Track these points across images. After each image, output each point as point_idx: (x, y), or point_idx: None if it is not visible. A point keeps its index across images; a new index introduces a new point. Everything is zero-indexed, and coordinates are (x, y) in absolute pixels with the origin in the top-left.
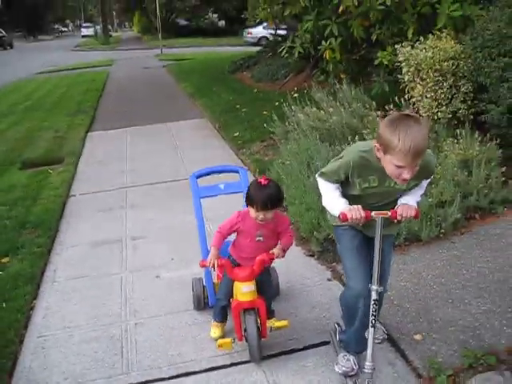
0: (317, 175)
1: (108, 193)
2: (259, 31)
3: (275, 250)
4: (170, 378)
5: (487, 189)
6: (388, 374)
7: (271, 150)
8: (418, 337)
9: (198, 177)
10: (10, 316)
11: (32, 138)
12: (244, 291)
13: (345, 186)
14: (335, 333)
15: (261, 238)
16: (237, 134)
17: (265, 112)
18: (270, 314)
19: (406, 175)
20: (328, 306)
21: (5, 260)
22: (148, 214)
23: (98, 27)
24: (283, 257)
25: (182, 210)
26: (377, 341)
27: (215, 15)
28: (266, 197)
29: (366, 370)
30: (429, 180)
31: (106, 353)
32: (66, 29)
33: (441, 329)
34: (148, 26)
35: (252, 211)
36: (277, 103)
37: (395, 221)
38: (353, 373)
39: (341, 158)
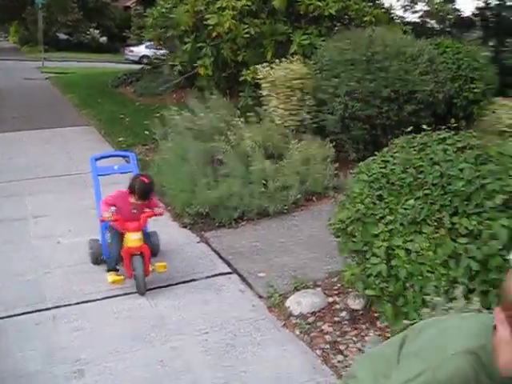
0: None
1: (7, 183)
2: (141, 50)
3: (155, 210)
4: (76, 304)
5: (322, 178)
6: (239, 298)
7: (151, 152)
8: (261, 274)
9: (97, 159)
10: None
11: None
12: (133, 239)
13: None
14: None
15: (135, 211)
16: (121, 139)
17: (146, 122)
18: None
19: None
20: (195, 259)
21: None
22: (46, 200)
23: None
24: (161, 214)
25: (75, 197)
26: None
27: (97, 31)
28: (144, 192)
29: None
30: None
31: (23, 291)
32: None
33: (278, 269)
34: (27, 37)
35: (133, 197)
36: (157, 114)
37: None
38: None
39: (423, 370)
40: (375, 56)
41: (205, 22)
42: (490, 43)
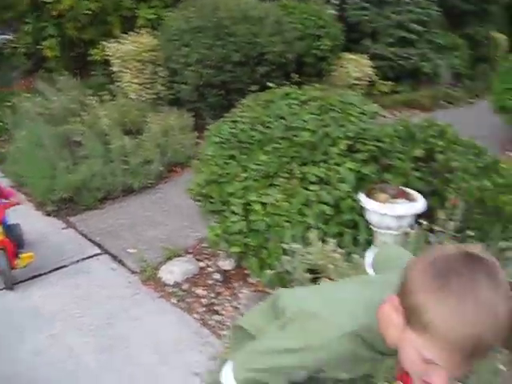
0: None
1: None
2: None
3: (10, 200)
4: None
5: (183, 148)
6: (112, 276)
7: (6, 144)
8: (132, 250)
9: None
10: None
11: None
12: None
13: None
14: None
15: None
16: None
17: None
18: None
19: (436, 379)
20: (63, 245)
21: None
22: None
23: None
24: (18, 204)
25: None
26: None
27: None
28: None
29: None
30: None
31: None
32: None
33: (148, 242)
34: None
35: None
36: (8, 103)
37: None
38: None
39: (302, 348)
40: (222, 22)
41: (43, 0)
42: (335, 1)
